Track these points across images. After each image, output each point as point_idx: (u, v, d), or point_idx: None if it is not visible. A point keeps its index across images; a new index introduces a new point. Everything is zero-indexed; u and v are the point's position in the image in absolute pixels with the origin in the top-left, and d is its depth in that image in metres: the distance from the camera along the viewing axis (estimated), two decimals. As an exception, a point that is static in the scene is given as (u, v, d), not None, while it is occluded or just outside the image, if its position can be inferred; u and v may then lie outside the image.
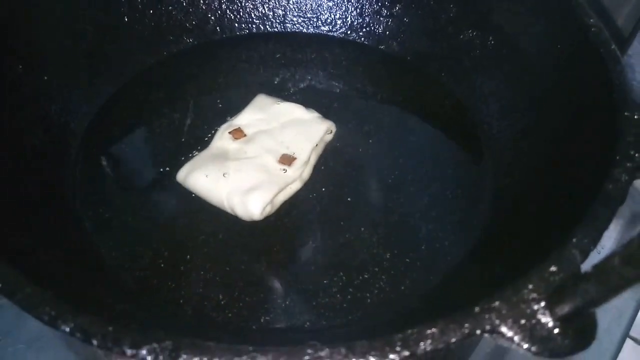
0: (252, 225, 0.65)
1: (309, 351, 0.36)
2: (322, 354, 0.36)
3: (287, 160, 0.68)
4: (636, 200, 0.79)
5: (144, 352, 0.36)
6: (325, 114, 0.76)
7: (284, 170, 0.67)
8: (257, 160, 0.68)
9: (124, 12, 0.80)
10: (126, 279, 0.59)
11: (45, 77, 0.71)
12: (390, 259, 0.63)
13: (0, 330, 0.68)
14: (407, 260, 0.62)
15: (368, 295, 0.59)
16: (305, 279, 0.61)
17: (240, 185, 0.65)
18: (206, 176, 0.66)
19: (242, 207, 0.64)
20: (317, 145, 0.71)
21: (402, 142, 0.76)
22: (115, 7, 0.79)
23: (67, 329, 0.37)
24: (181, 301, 0.57)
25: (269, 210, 0.66)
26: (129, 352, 0.36)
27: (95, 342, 0.37)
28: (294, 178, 0.68)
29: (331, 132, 0.74)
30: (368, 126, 0.77)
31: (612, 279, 0.32)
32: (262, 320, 0.56)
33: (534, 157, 0.64)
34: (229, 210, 0.65)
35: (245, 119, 0.73)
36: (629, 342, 0.80)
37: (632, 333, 0.78)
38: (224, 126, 0.72)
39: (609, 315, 0.74)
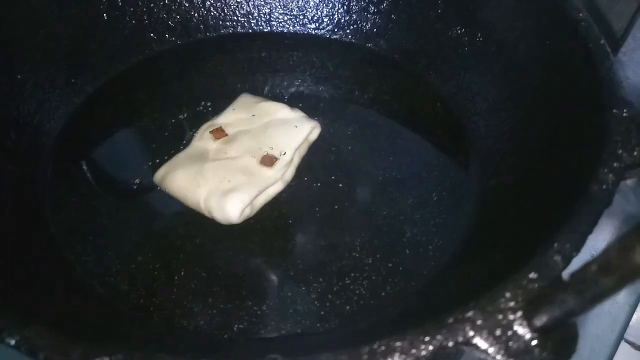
0: (230, 229, 0.62)
1: (271, 365, 0.34)
2: (282, 368, 0.34)
3: (268, 161, 0.66)
4: (631, 201, 0.77)
5: (91, 366, 0.34)
6: (311, 114, 0.73)
7: (264, 171, 0.65)
8: (238, 161, 0.66)
9: (102, 9, 0.78)
10: (94, 285, 0.56)
11: (19, 77, 0.69)
12: (372, 263, 0.60)
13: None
14: (390, 265, 0.60)
15: (347, 302, 0.57)
16: (283, 285, 0.59)
17: (218, 187, 0.62)
18: (183, 177, 0.64)
19: (220, 210, 0.61)
20: (300, 145, 0.69)
21: (388, 143, 0.73)
22: (93, 4, 0.77)
23: (13, 342, 0.35)
24: (151, 308, 0.55)
25: (248, 212, 0.63)
26: (76, 366, 0.34)
27: (41, 356, 0.34)
28: (276, 179, 0.65)
29: (315, 132, 0.72)
30: (354, 127, 0.75)
31: (590, 288, 0.30)
32: (234, 329, 0.54)
33: (521, 158, 0.62)
34: (206, 214, 0.63)
35: (227, 118, 0.71)
36: (625, 347, 0.77)
37: (630, 338, 0.75)
38: (205, 125, 0.70)
39: (602, 321, 0.71)
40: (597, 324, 0.72)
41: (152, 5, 0.83)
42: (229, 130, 0.69)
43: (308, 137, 0.70)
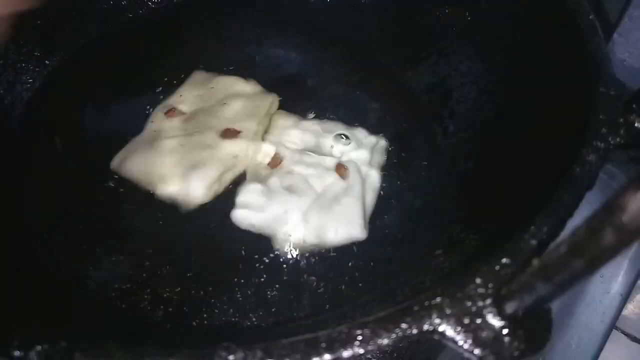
0: (197, 209, 0.60)
1: (222, 353, 0.32)
2: (234, 357, 0.32)
3: (230, 134, 0.63)
4: (618, 178, 0.73)
5: (32, 354, 0.32)
6: (294, 96, 0.71)
7: (228, 145, 0.62)
8: (197, 137, 0.63)
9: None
10: (67, 277, 0.54)
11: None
12: (356, 248, 0.58)
13: None
14: (377, 250, 0.58)
15: (326, 289, 0.55)
16: (256, 272, 0.56)
17: (180, 165, 0.60)
18: (141, 161, 0.61)
19: (184, 190, 0.59)
20: (261, 119, 0.66)
21: (376, 127, 0.69)
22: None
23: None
24: (113, 295, 0.53)
25: (216, 189, 0.61)
26: (16, 353, 0.32)
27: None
28: (242, 155, 0.63)
29: (275, 104, 0.69)
30: (337, 109, 0.72)
31: (559, 272, 0.27)
32: (204, 317, 0.52)
33: (503, 136, 0.59)
34: (165, 197, 0.60)
35: (182, 96, 0.68)
36: (622, 338, 0.75)
37: (626, 329, 0.73)
38: (159, 107, 0.67)
39: (592, 310, 0.69)
40: (587, 314, 0.69)
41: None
42: (185, 109, 0.67)
43: (269, 110, 0.68)
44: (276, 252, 0.58)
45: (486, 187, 0.56)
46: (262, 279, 0.56)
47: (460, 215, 0.58)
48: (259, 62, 0.77)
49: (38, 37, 0.72)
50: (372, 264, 0.57)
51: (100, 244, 0.58)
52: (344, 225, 0.58)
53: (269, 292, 0.55)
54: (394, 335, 0.33)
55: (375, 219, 0.61)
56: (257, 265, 0.57)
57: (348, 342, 0.32)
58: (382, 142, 0.67)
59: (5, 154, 0.64)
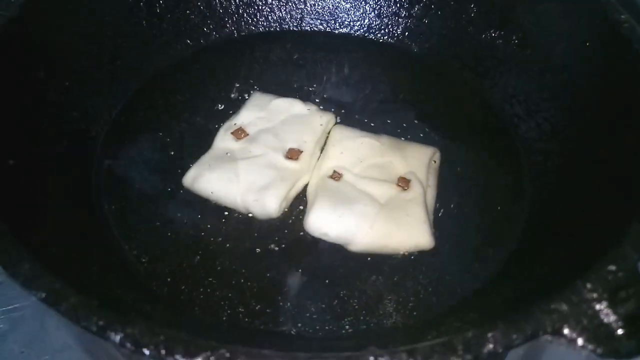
0: (269, 223, 0.64)
1: (371, 358, 0.35)
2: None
3: (294, 154, 0.68)
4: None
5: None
6: (345, 114, 0.76)
7: (291, 164, 0.67)
8: (265, 157, 0.67)
9: (142, 16, 0.79)
10: (158, 288, 0.57)
11: (67, 83, 0.69)
12: (426, 258, 0.62)
13: (24, 342, 0.66)
14: (449, 260, 0.61)
15: (407, 296, 0.58)
16: (338, 282, 0.60)
17: (253, 184, 0.64)
18: (216, 178, 0.65)
19: (259, 206, 0.63)
20: (319, 137, 0.71)
21: (429, 141, 0.73)
22: (135, 13, 0.79)
23: (117, 339, 0.36)
24: (215, 308, 0.56)
25: (284, 205, 0.65)
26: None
27: (147, 351, 0.35)
28: (303, 171, 0.68)
29: (331, 123, 0.73)
30: (393, 125, 0.76)
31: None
32: (298, 326, 0.55)
33: (565, 158, 0.64)
34: (243, 210, 0.65)
35: (245, 117, 0.72)
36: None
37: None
38: (224, 126, 0.72)
39: None
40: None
41: (187, 12, 0.84)
42: (249, 130, 0.71)
43: (325, 128, 0.72)
44: (348, 261, 0.61)
45: (553, 206, 0.60)
46: (342, 289, 0.59)
47: (528, 230, 0.62)
48: (309, 84, 0.82)
49: (108, 64, 0.76)
50: (445, 273, 0.61)
51: (178, 256, 0.61)
52: (412, 233, 0.61)
53: (352, 301, 0.58)
54: (522, 337, 0.36)
55: (438, 231, 0.64)
56: (332, 275, 0.60)
57: (482, 344, 0.36)
58: (438, 155, 0.71)
59: (87, 175, 0.67)
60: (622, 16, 0.61)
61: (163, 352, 0.35)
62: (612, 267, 0.39)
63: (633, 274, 0.38)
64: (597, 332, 0.36)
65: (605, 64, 0.62)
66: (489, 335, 0.36)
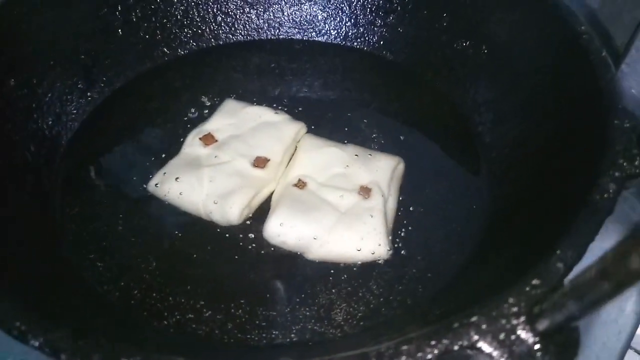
0: (231, 230, 0.65)
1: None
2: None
3: (261, 162, 0.68)
4: (637, 209, 0.77)
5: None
6: (318, 122, 0.76)
7: (257, 172, 0.67)
8: (231, 164, 0.68)
9: (117, 25, 0.81)
10: (108, 292, 0.58)
11: (39, 91, 0.71)
12: (383, 267, 0.61)
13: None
14: (404, 269, 0.61)
15: (357, 306, 0.58)
16: (291, 290, 0.60)
17: (216, 190, 0.65)
18: (180, 184, 0.66)
19: (220, 212, 0.64)
20: (289, 146, 0.71)
21: (397, 150, 0.74)
22: (110, 21, 0.80)
23: (37, 344, 0.36)
24: (165, 314, 0.56)
25: (246, 213, 0.66)
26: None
27: (63, 357, 0.36)
28: (269, 180, 0.68)
29: (302, 133, 0.74)
30: (363, 134, 0.76)
31: (588, 293, 0.31)
32: (247, 335, 0.55)
33: (525, 167, 0.63)
34: (204, 217, 0.65)
35: (215, 124, 0.73)
36: (634, 356, 0.78)
37: (638, 347, 0.76)
38: (193, 132, 0.72)
39: (609, 328, 0.72)
40: (603, 332, 0.72)
41: (164, 21, 0.86)
42: (218, 136, 0.72)
43: (295, 137, 0.73)
44: (305, 269, 0.62)
45: (508, 214, 0.60)
46: (295, 296, 0.59)
47: (484, 238, 0.61)
48: (285, 92, 0.83)
49: (82, 71, 0.77)
50: (398, 282, 0.60)
51: (148, 264, 0.61)
52: (369, 243, 0.62)
53: (303, 309, 0.58)
54: (436, 351, 0.36)
55: (397, 240, 0.64)
56: (288, 282, 0.61)
57: (395, 357, 0.36)
58: (402, 165, 0.71)
59: (52, 179, 0.68)
60: (582, 27, 0.60)
61: (79, 359, 0.36)
62: (537, 282, 0.39)
63: (555, 289, 0.38)
64: (513, 348, 0.36)
65: (566, 75, 0.62)
66: (403, 348, 0.36)
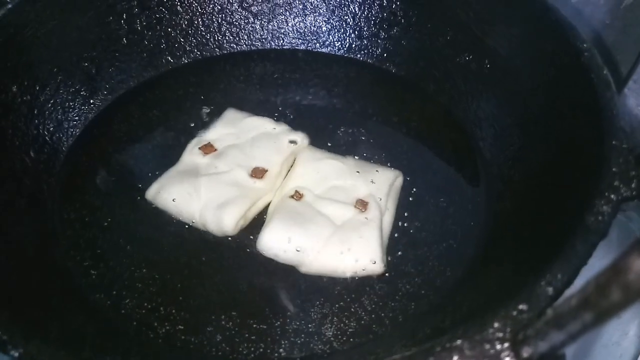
0: (226, 240, 0.64)
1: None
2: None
3: (258, 173, 0.68)
4: (633, 232, 0.75)
5: None
6: (319, 133, 0.76)
7: (255, 183, 0.67)
8: (229, 174, 0.68)
9: (122, 34, 0.82)
10: (99, 300, 0.58)
11: (42, 97, 0.72)
12: (377, 282, 0.61)
13: None
14: (397, 285, 0.60)
15: (348, 322, 0.58)
16: (282, 303, 0.59)
17: (213, 200, 0.65)
18: (177, 193, 0.66)
19: (216, 223, 0.64)
20: (287, 157, 0.71)
21: (397, 163, 0.73)
22: (114, 29, 0.81)
23: (16, 354, 0.36)
24: (155, 324, 0.56)
25: (242, 224, 0.65)
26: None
27: (42, 368, 0.36)
28: (266, 191, 0.68)
29: (303, 144, 0.73)
30: (364, 146, 0.76)
31: (570, 323, 0.30)
32: (240, 349, 0.55)
33: (525, 184, 0.62)
34: (200, 227, 0.65)
35: (215, 133, 0.73)
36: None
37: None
38: (193, 141, 0.73)
39: (611, 352, 0.70)
40: (605, 356, 0.70)
41: (169, 30, 0.87)
42: (217, 145, 0.72)
43: (295, 149, 0.72)
44: (299, 282, 0.61)
45: (504, 233, 0.59)
46: (287, 310, 0.58)
47: (478, 257, 0.60)
48: (287, 102, 0.83)
49: (85, 78, 0.78)
50: (390, 299, 0.60)
51: (141, 273, 0.61)
52: (363, 257, 0.61)
53: (293, 323, 0.57)
54: (417, 375, 0.35)
55: (392, 255, 0.63)
56: (281, 295, 0.60)
57: (375, 380, 0.35)
58: (400, 179, 0.70)
59: (51, 185, 0.69)
60: (585, 44, 0.59)
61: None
62: (523, 307, 0.38)
63: (538, 315, 0.37)
64: (496, 374, 0.35)
65: (567, 92, 0.61)
66: (383, 371, 0.35)
